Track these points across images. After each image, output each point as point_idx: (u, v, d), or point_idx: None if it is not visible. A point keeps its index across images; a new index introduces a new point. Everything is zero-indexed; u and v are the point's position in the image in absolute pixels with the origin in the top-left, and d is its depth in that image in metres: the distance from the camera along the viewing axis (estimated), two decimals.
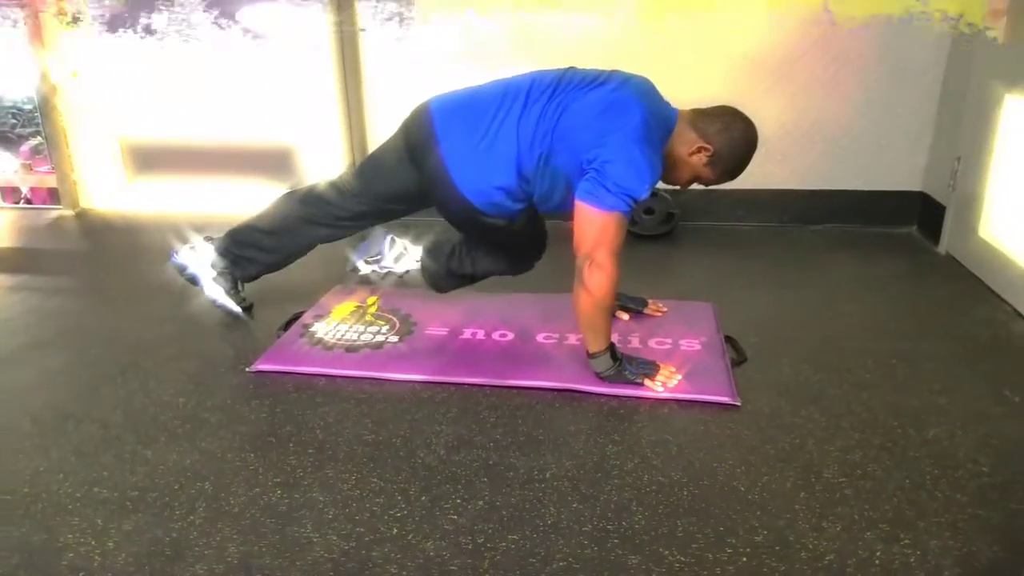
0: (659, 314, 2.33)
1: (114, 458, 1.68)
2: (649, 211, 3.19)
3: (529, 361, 2.07)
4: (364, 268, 2.47)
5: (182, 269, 2.32)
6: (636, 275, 2.55)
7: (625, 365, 1.91)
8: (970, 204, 2.75)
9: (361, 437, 1.75)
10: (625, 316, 2.30)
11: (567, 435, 1.74)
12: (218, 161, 3.64)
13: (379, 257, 2.43)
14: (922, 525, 1.43)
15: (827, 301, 2.53)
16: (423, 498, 1.53)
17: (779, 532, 1.42)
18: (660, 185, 1.96)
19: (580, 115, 1.82)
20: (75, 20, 3.45)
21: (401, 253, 2.43)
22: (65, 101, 3.57)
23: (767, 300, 2.54)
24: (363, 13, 3.28)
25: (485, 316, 2.33)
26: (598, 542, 1.40)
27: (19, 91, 3.69)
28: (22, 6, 3.40)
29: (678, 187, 1.99)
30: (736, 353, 2.11)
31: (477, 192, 1.90)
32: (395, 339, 2.22)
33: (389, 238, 2.43)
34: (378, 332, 2.26)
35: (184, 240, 2.38)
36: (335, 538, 1.42)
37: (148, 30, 3.44)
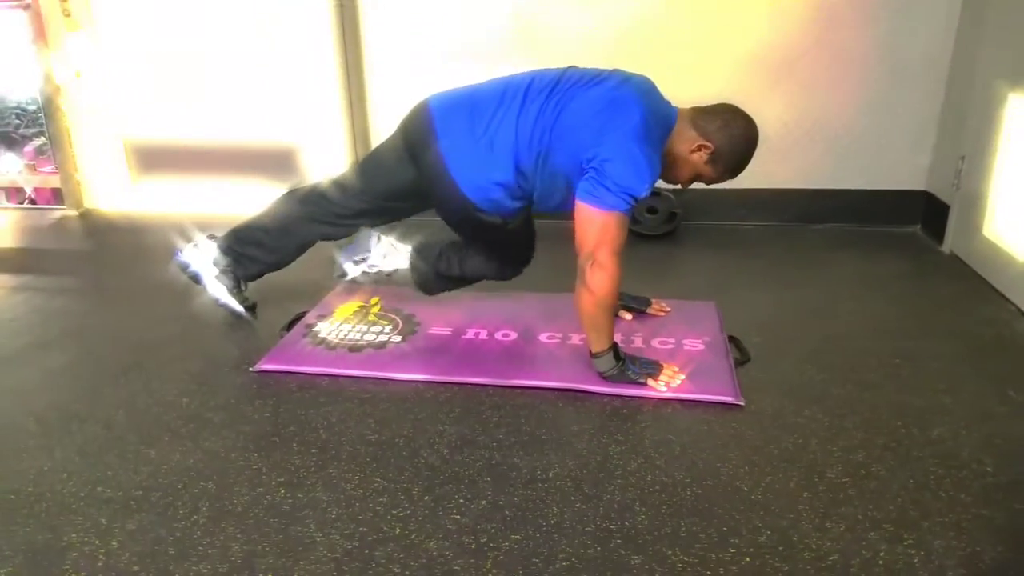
0: (662, 314, 2.33)
1: (118, 458, 1.68)
2: (652, 210, 3.18)
3: (532, 361, 2.07)
4: (352, 271, 2.42)
5: (185, 267, 2.32)
6: (639, 275, 2.55)
7: (628, 365, 1.90)
8: (974, 203, 2.74)
9: (364, 437, 1.75)
10: (628, 316, 2.30)
11: (570, 435, 1.74)
12: (222, 161, 3.64)
13: (365, 256, 2.39)
14: (926, 525, 1.43)
15: (830, 301, 2.52)
16: (426, 498, 1.53)
17: (782, 532, 1.42)
18: (663, 184, 1.96)
19: (579, 113, 1.82)
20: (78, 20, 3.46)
21: (388, 252, 2.39)
22: (69, 101, 3.58)
23: (770, 299, 2.53)
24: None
25: (488, 316, 2.33)
26: (601, 542, 1.40)
27: (23, 91, 3.69)
28: (25, 7, 3.41)
29: (679, 186, 1.99)
30: (739, 353, 2.11)
31: (475, 188, 1.90)
32: (398, 339, 2.22)
33: (375, 236, 2.39)
34: (381, 332, 2.26)
35: (188, 239, 2.38)
36: (338, 538, 1.42)
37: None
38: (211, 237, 2.33)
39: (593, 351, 1.91)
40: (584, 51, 3.08)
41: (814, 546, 1.38)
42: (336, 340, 2.21)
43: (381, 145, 2.15)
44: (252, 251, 2.27)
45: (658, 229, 3.20)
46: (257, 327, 2.35)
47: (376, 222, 2.25)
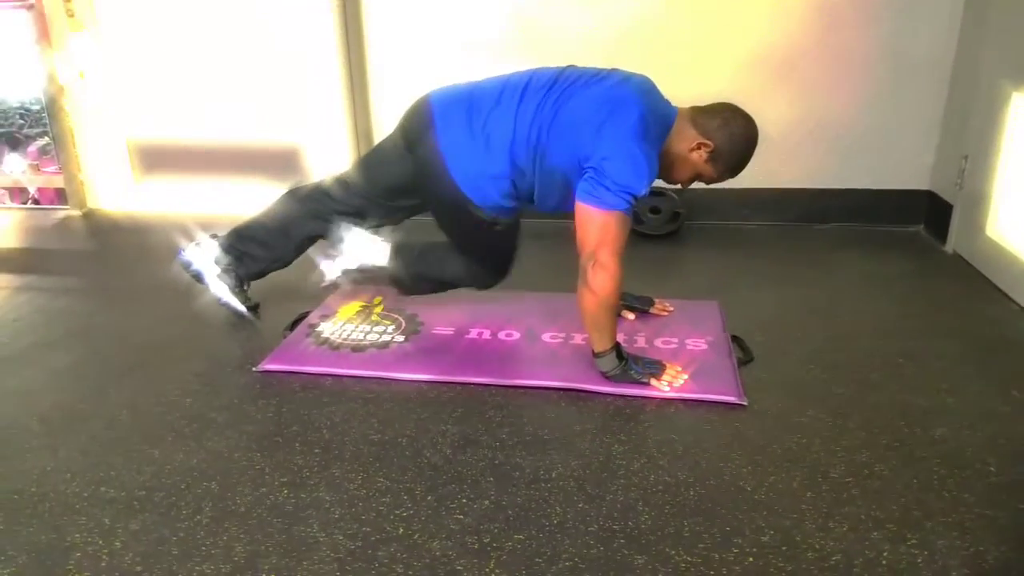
0: (665, 313, 2.33)
1: (121, 458, 1.69)
2: (655, 210, 3.18)
3: (535, 361, 2.07)
4: (329, 269, 2.33)
5: (187, 266, 2.33)
6: (642, 274, 2.55)
7: (631, 364, 1.90)
8: (978, 203, 2.74)
9: (367, 437, 1.75)
10: (631, 316, 2.30)
11: (573, 435, 1.74)
12: (225, 161, 3.65)
13: (340, 250, 2.29)
14: (929, 525, 1.43)
15: (833, 300, 2.52)
16: (429, 498, 1.53)
17: (786, 532, 1.41)
18: (666, 184, 1.96)
19: (578, 111, 1.82)
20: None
21: (363, 245, 2.29)
22: (72, 101, 3.58)
23: (773, 299, 2.53)
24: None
25: (491, 316, 2.33)
26: (604, 542, 1.40)
27: (27, 92, 3.70)
28: (29, 7, 3.41)
29: (679, 186, 1.99)
30: (742, 352, 2.11)
31: (470, 181, 1.90)
32: (401, 339, 2.22)
33: (352, 229, 2.29)
34: (384, 332, 2.26)
35: (191, 239, 2.38)
36: (341, 538, 1.42)
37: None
38: (213, 236, 2.34)
39: (596, 351, 1.91)
40: (584, 51, 3.08)
41: (817, 546, 1.38)
42: (339, 340, 2.21)
43: (383, 140, 2.16)
44: (253, 249, 2.27)
45: (661, 229, 3.19)
46: (260, 327, 2.35)
47: (376, 222, 2.25)
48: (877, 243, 3.09)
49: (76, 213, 3.68)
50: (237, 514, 1.49)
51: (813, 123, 3.17)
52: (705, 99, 1.96)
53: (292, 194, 2.26)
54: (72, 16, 3.47)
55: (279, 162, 3.57)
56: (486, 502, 1.51)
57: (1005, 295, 2.49)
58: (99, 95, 3.62)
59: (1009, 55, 2.58)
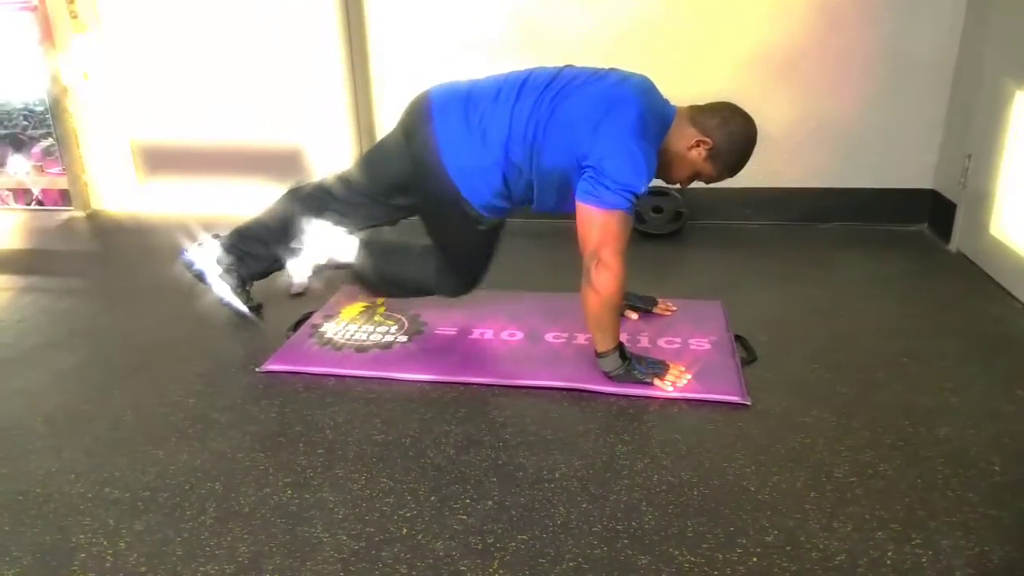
0: (668, 313, 2.33)
1: (125, 458, 1.69)
2: (658, 210, 3.18)
3: (538, 361, 2.07)
4: (301, 272, 2.25)
5: (190, 265, 2.33)
6: (645, 274, 2.54)
7: (634, 364, 1.90)
8: (981, 201, 2.73)
9: (370, 437, 1.75)
10: (634, 315, 2.30)
11: (576, 435, 1.74)
12: (229, 161, 3.65)
13: (301, 245, 2.23)
14: (934, 525, 1.42)
15: (837, 299, 2.52)
16: (432, 498, 1.53)
17: (790, 532, 1.41)
18: (666, 184, 1.95)
19: (576, 108, 1.82)
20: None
21: (324, 238, 2.23)
22: (76, 103, 3.59)
23: (776, 299, 2.53)
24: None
25: (494, 316, 2.33)
26: (608, 542, 1.40)
27: (30, 93, 3.71)
28: (32, 8, 3.42)
29: (679, 186, 1.99)
30: (746, 352, 2.11)
31: (463, 174, 1.90)
32: (404, 339, 2.22)
33: (314, 223, 2.23)
34: (387, 332, 2.26)
35: (194, 239, 2.38)
36: (345, 538, 1.42)
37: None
38: (215, 236, 2.34)
39: (599, 351, 1.91)
40: (584, 51, 3.07)
41: (821, 546, 1.38)
42: (342, 340, 2.21)
43: (384, 137, 2.16)
44: (255, 249, 2.28)
45: (664, 228, 3.19)
46: (263, 328, 2.35)
47: (376, 221, 2.24)
48: (880, 242, 3.09)
49: (80, 214, 3.69)
50: (241, 514, 1.49)
51: (815, 122, 3.16)
52: (706, 99, 1.96)
53: (293, 193, 2.26)
54: (75, 17, 3.48)
55: (282, 162, 3.57)
56: (489, 502, 1.51)
57: (1009, 294, 2.49)
58: (102, 96, 3.63)
59: (1012, 53, 2.58)
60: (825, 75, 3.10)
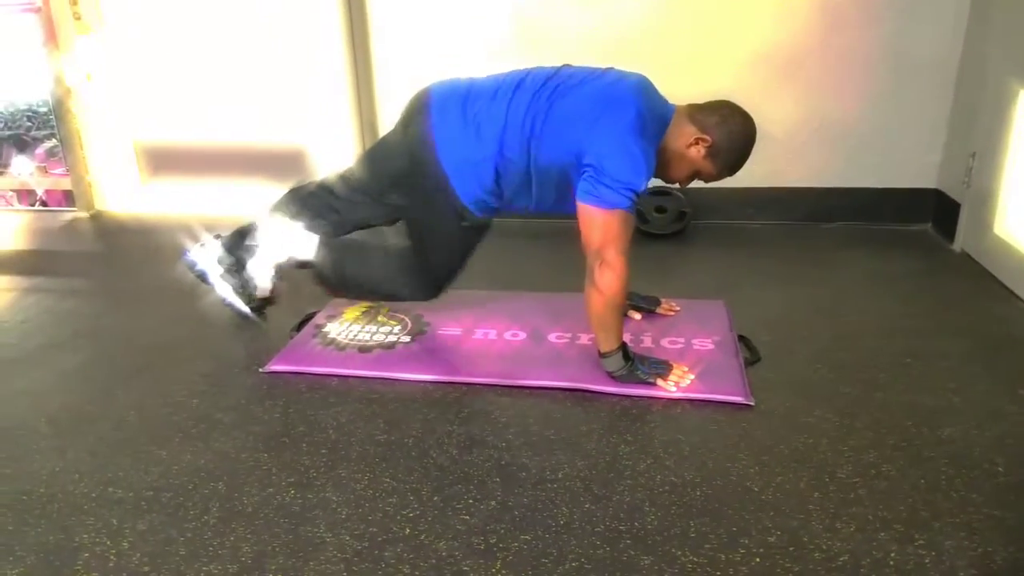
0: (672, 313, 2.32)
1: (129, 458, 1.69)
2: (661, 209, 3.18)
3: (541, 361, 2.07)
4: (264, 276, 2.21)
5: (192, 266, 2.33)
6: (648, 274, 2.54)
7: (637, 365, 1.90)
8: (985, 201, 2.73)
9: (373, 437, 1.75)
10: (637, 315, 2.30)
11: (579, 435, 1.74)
12: (231, 162, 3.66)
13: (256, 243, 2.18)
14: (937, 526, 1.42)
15: (840, 299, 2.51)
16: (435, 498, 1.53)
17: (793, 533, 1.41)
18: (666, 184, 1.95)
19: (573, 106, 1.83)
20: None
21: (288, 239, 2.19)
22: (79, 104, 3.60)
23: (780, 298, 2.52)
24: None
25: (497, 316, 2.33)
26: (610, 542, 1.40)
27: (34, 94, 3.72)
28: (36, 10, 3.43)
29: (678, 185, 1.99)
30: (749, 352, 2.10)
31: (456, 167, 1.91)
32: (407, 339, 2.22)
33: (273, 219, 2.20)
34: (390, 332, 2.27)
35: (197, 240, 2.39)
36: (348, 538, 1.42)
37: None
38: (217, 236, 2.34)
39: (602, 351, 1.90)
40: (584, 51, 3.08)
41: (824, 546, 1.37)
42: (345, 341, 2.21)
43: (386, 134, 2.17)
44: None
45: (667, 228, 3.19)
46: (266, 328, 2.35)
47: (375, 222, 2.24)
48: (884, 242, 3.08)
49: (83, 215, 3.70)
50: (244, 514, 1.49)
51: (818, 122, 3.16)
52: (708, 98, 1.95)
53: (294, 193, 2.26)
54: (79, 19, 3.49)
55: (284, 163, 3.58)
56: (492, 502, 1.51)
57: (1013, 293, 2.48)
58: (106, 97, 3.64)
59: (1015, 52, 2.57)
60: (828, 75, 3.09)
